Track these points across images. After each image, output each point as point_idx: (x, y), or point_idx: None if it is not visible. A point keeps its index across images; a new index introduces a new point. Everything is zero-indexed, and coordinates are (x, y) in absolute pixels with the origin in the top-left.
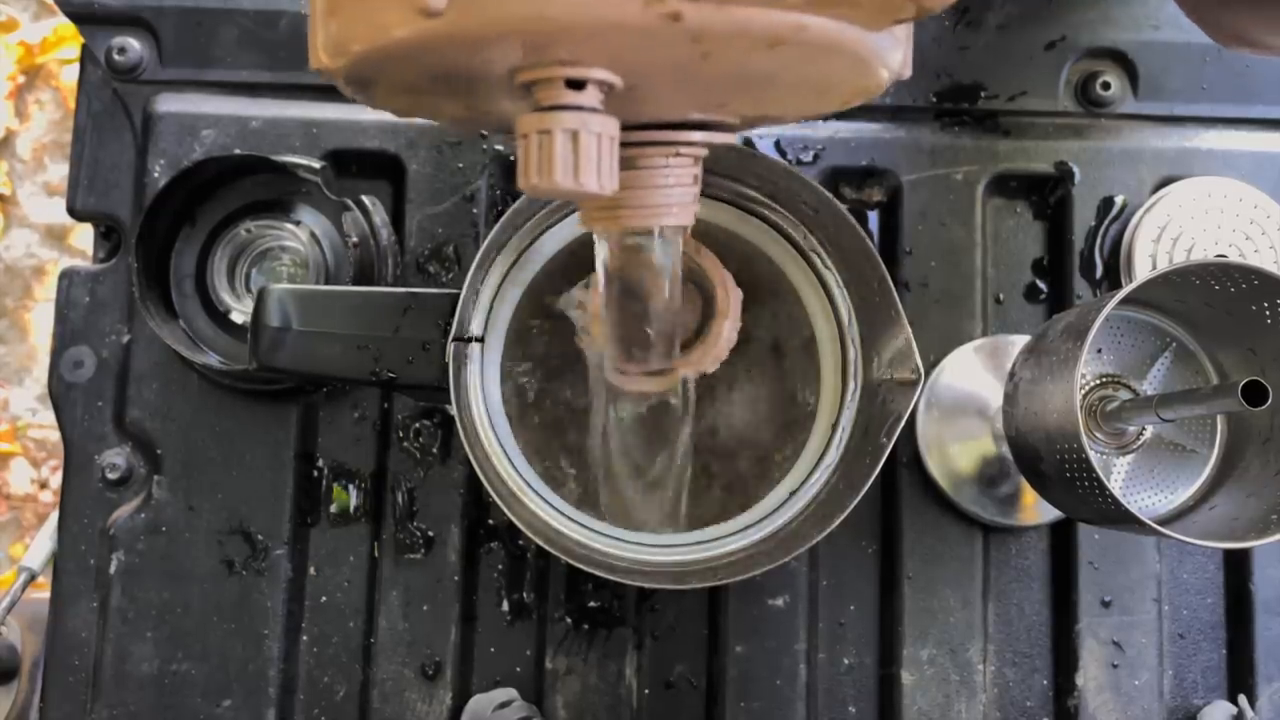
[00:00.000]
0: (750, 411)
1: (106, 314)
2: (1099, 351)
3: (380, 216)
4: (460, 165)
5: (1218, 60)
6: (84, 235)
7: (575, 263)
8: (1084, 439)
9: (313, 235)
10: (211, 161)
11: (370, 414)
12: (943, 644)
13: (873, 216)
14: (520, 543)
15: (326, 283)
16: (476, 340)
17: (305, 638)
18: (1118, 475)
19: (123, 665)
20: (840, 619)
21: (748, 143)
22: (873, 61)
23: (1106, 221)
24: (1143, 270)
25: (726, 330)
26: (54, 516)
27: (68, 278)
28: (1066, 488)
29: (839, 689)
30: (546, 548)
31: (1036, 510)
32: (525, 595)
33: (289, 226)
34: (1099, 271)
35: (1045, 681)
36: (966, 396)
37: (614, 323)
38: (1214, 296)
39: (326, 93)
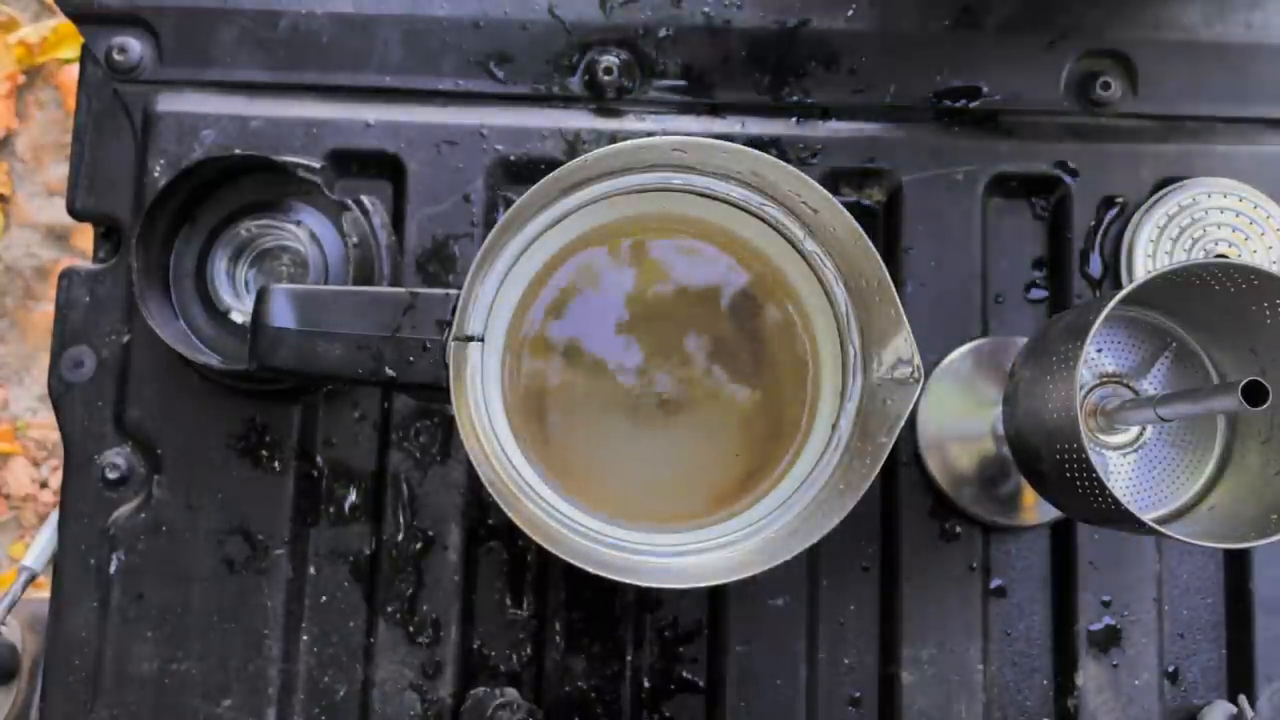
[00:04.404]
0: (750, 411)
1: (106, 314)
2: (1099, 351)
3: (380, 216)
4: (460, 165)
5: (1218, 60)
6: (84, 235)
7: (575, 262)
8: (1084, 439)
9: (313, 235)
10: (211, 161)
11: (370, 414)
12: (943, 644)
13: (872, 216)
14: (520, 543)
15: (326, 283)
16: (476, 340)
17: (305, 638)
18: (1118, 475)
19: (123, 665)
20: (840, 619)
21: (748, 143)
22: None
23: (1106, 221)
24: (1142, 270)
25: None
26: (54, 516)
27: (68, 278)
28: (1066, 488)
29: (839, 689)
30: (547, 547)
31: (1036, 510)
32: (525, 595)
33: (289, 226)
34: (1099, 271)
35: (1045, 681)
36: (966, 396)
37: None
38: (1214, 296)
39: (326, 93)
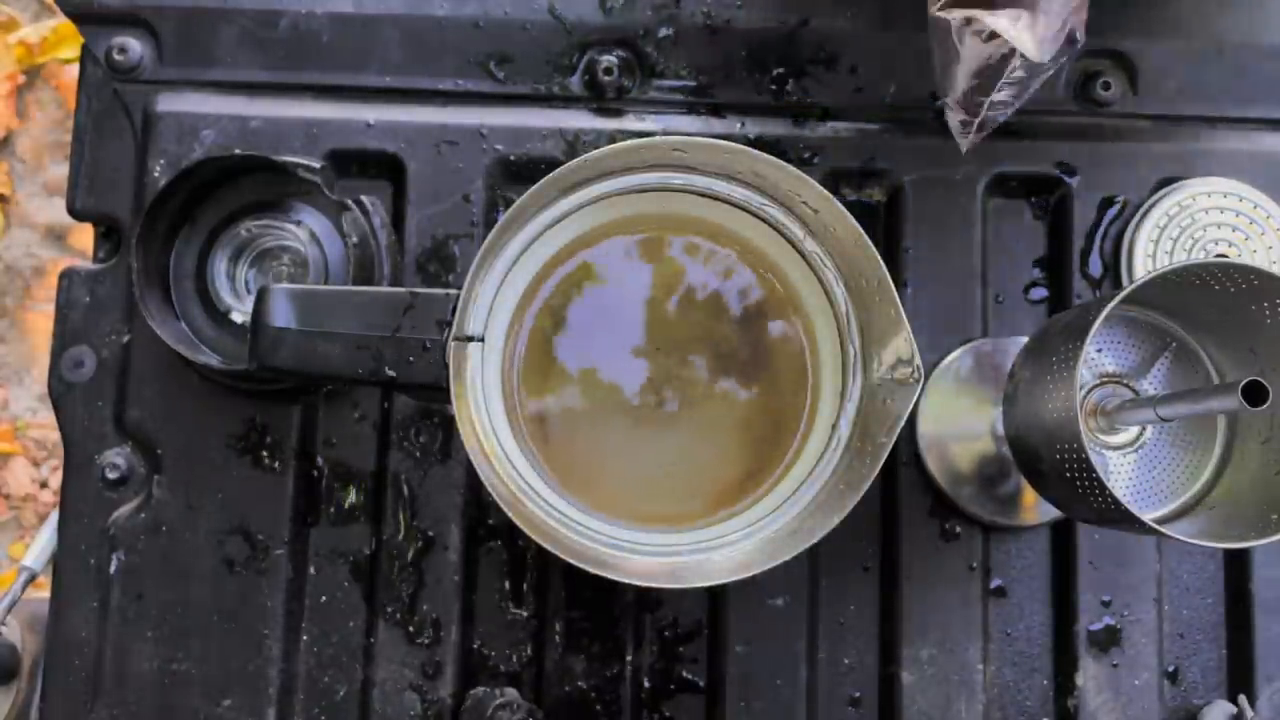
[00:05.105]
0: (750, 412)
1: (106, 314)
2: (1099, 351)
3: (380, 216)
4: (460, 165)
5: (1218, 60)
6: (84, 235)
7: (575, 262)
8: (1084, 439)
9: (313, 235)
10: (211, 161)
11: (370, 414)
12: (943, 644)
13: (873, 216)
14: (520, 543)
15: (326, 283)
16: (476, 340)
17: (305, 638)
18: (1118, 475)
19: (123, 665)
20: (840, 619)
21: (748, 143)
22: None
23: (1106, 221)
24: (1143, 270)
25: None
26: (54, 516)
27: (68, 278)
28: (1066, 488)
29: (839, 689)
30: (547, 547)
31: (1036, 510)
32: (525, 595)
33: (289, 226)
34: (1099, 271)
35: (1045, 681)
36: (966, 396)
37: None
38: (1214, 296)
39: (326, 92)
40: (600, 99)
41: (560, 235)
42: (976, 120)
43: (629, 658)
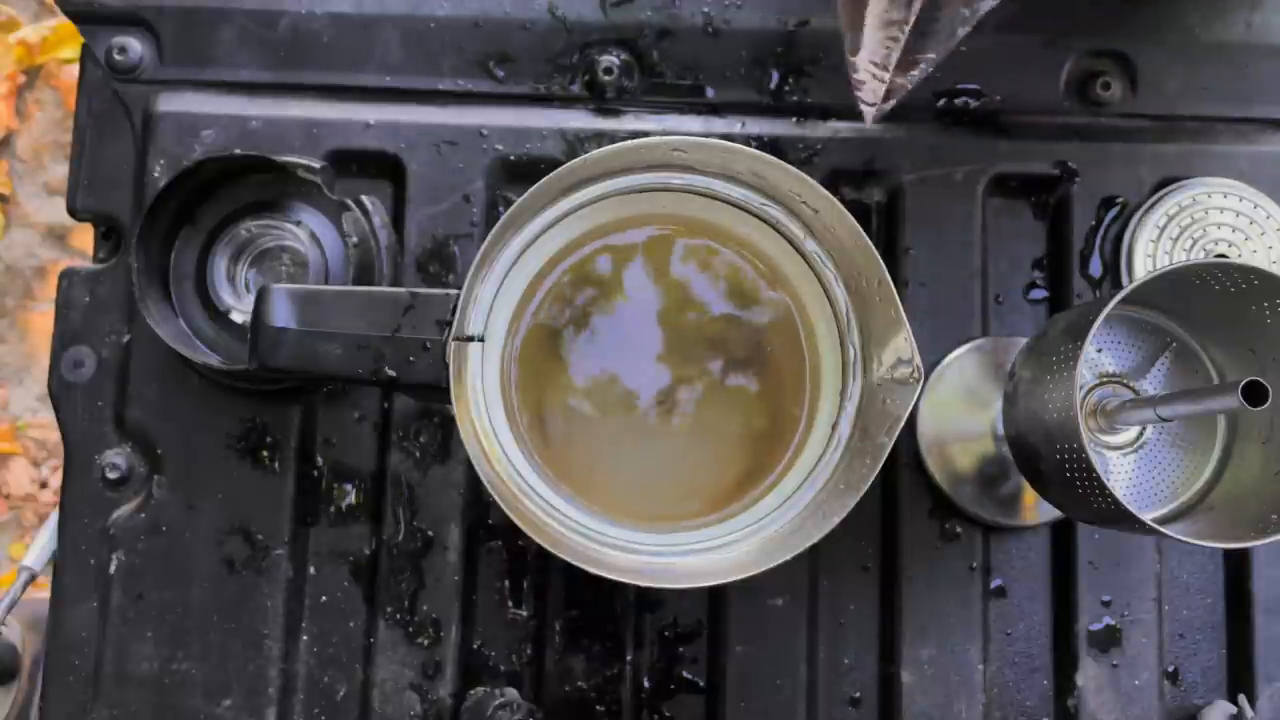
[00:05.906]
0: (749, 411)
1: (106, 314)
2: (1099, 351)
3: (380, 216)
4: (460, 165)
5: (1218, 60)
6: (84, 235)
7: (575, 262)
8: (1084, 439)
9: (313, 235)
10: (211, 161)
11: (370, 414)
12: (943, 644)
13: (873, 216)
14: (520, 543)
15: (326, 283)
16: (477, 340)
17: (305, 638)
18: (1118, 475)
19: (123, 665)
20: (840, 619)
21: (749, 143)
22: None
23: (1106, 221)
24: (1143, 270)
25: None
26: (54, 516)
27: (68, 278)
28: (1066, 488)
29: (839, 689)
30: (547, 547)
31: (1036, 510)
32: (525, 595)
33: (289, 226)
34: (1099, 271)
35: (1045, 681)
36: (966, 396)
37: None
38: (1214, 296)
39: (326, 92)
40: (600, 99)
41: (560, 235)
42: (886, 80)
43: (629, 658)
